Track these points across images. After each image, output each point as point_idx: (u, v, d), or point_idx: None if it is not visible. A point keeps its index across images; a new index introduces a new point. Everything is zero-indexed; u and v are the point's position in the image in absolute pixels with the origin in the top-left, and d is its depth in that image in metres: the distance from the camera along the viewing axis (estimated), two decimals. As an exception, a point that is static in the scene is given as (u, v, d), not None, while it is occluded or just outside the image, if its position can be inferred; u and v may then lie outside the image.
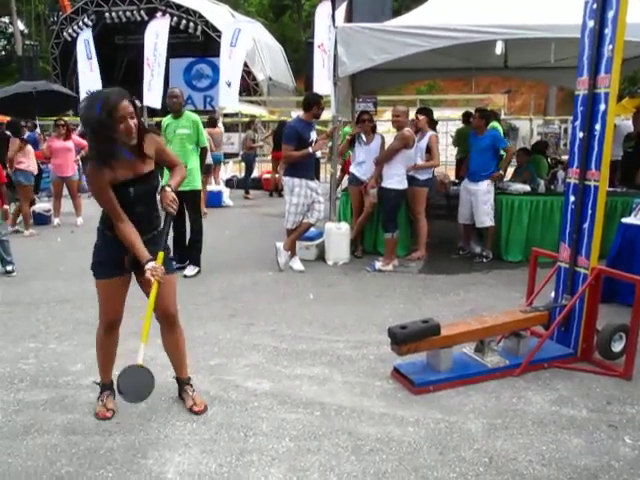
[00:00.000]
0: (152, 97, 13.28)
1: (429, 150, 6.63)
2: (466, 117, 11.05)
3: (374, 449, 2.81)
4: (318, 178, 6.61)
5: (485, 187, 6.43)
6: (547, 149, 9.59)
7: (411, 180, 6.47)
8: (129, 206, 2.87)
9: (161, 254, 2.85)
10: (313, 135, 6.19)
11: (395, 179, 6.16)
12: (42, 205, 9.60)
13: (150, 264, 2.79)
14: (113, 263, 2.95)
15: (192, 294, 5.21)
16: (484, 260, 6.61)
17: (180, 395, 3.27)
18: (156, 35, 14.25)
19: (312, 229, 6.57)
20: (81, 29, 23.60)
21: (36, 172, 8.65)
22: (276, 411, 3.17)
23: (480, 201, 6.44)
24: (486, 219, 6.47)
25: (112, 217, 2.86)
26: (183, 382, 3.26)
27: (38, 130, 12.27)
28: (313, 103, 6.16)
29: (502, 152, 6.80)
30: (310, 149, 6.09)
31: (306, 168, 6.18)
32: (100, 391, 3.20)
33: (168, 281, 2.97)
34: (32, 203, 9.66)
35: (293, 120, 6.79)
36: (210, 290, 5.48)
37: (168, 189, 2.88)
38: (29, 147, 8.46)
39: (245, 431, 2.96)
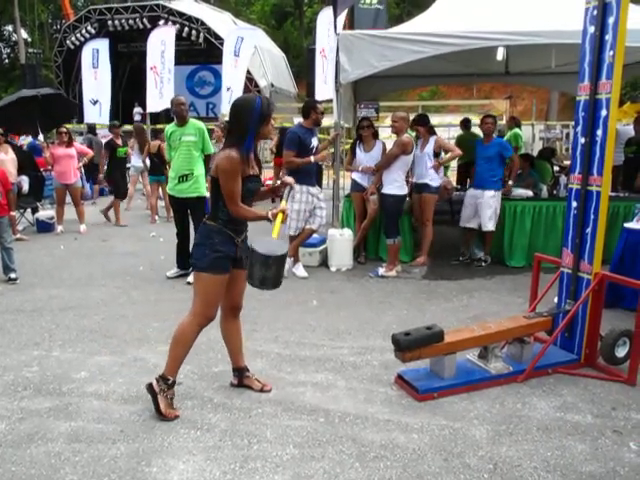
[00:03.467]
0: (164, 103, 13.40)
1: (437, 155, 6.64)
2: (464, 124, 11.08)
3: (378, 456, 2.80)
4: (320, 185, 6.60)
5: (492, 192, 6.46)
6: (554, 156, 9.60)
7: (424, 187, 6.48)
8: (244, 199, 3.10)
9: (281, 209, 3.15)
10: (314, 141, 6.20)
11: (395, 185, 6.17)
12: (45, 212, 9.62)
13: (273, 210, 3.12)
14: (230, 258, 3.14)
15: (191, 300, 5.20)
16: (483, 264, 6.62)
17: (242, 383, 3.50)
18: (162, 43, 14.39)
19: (315, 235, 6.58)
20: (84, 37, 23.73)
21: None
22: (280, 418, 3.17)
23: (486, 204, 6.46)
24: (490, 223, 6.49)
25: (233, 201, 3.02)
26: (244, 370, 3.52)
27: (41, 137, 12.28)
28: (309, 109, 6.17)
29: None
30: (312, 158, 6.10)
31: (307, 174, 6.18)
32: (168, 387, 3.15)
33: (245, 277, 3.19)
34: (35, 210, 9.72)
35: (294, 126, 6.81)
36: (213, 297, 5.48)
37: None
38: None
39: (249, 438, 2.96)
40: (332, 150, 6.97)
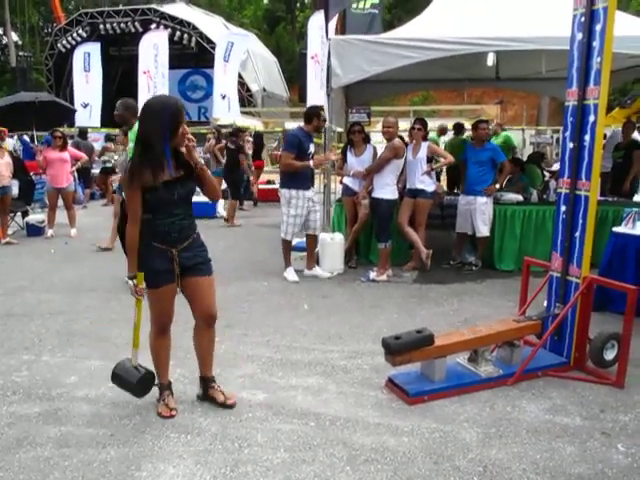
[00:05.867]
0: None
1: (430, 160, 6.66)
2: (457, 128, 11.14)
3: (369, 459, 2.81)
4: (313, 184, 6.60)
5: (485, 199, 6.50)
6: (543, 160, 9.67)
7: (418, 192, 6.48)
8: (161, 208, 2.98)
9: (140, 275, 3.00)
10: (311, 147, 6.23)
11: (387, 189, 6.20)
12: (35, 216, 9.58)
13: (131, 282, 3.00)
14: (163, 273, 3.05)
15: (186, 304, 5.19)
16: (473, 268, 6.66)
17: (207, 393, 3.37)
18: (154, 47, 14.43)
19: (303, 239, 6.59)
20: (75, 40, 23.69)
21: (1, 184, 8.44)
22: (271, 422, 3.17)
23: (479, 211, 6.49)
24: (485, 228, 6.53)
25: (130, 215, 2.97)
26: (209, 380, 3.38)
27: (26, 138, 12.32)
28: (313, 115, 6.22)
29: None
30: (311, 162, 6.13)
31: (303, 179, 6.20)
32: (160, 392, 3.28)
33: (209, 284, 3.21)
34: (25, 214, 9.68)
35: (295, 129, 6.85)
36: (204, 301, 5.47)
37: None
38: None
39: (240, 442, 2.96)
40: (333, 156, 6.88)
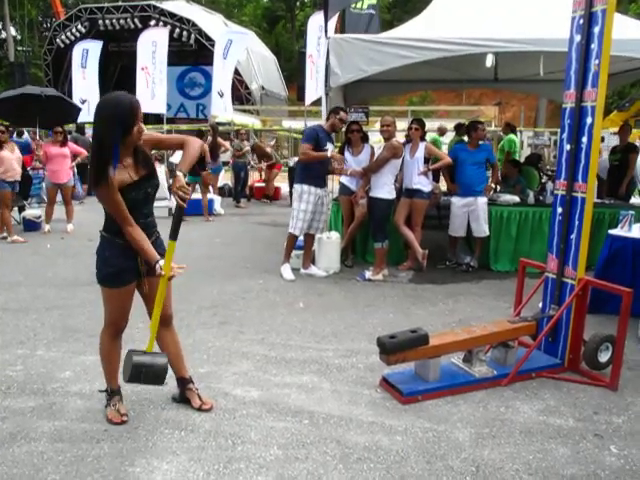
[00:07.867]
0: (156, 104, 13.58)
1: (426, 161, 6.66)
2: (459, 128, 11.13)
3: (362, 458, 2.81)
4: (326, 184, 6.55)
5: (485, 199, 6.56)
6: (540, 162, 9.71)
7: (415, 192, 6.49)
8: (134, 209, 2.86)
9: (173, 244, 2.86)
10: (330, 146, 6.21)
11: (384, 189, 6.20)
12: (32, 211, 9.56)
13: (161, 262, 2.84)
14: (127, 271, 2.94)
15: (182, 302, 5.19)
16: (470, 269, 6.67)
17: (184, 395, 3.28)
18: (153, 43, 14.44)
19: (302, 238, 6.59)
20: (74, 36, 23.67)
21: (14, 179, 8.47)
22: (264, 419, 3.17)
23: (481, 210, 6.53)
24: (486, 227, 6.58)
25: (121, 221, 2.81)
26: (186, 381, 3.28)
27: (26, 135, 12.23)
28: (330, 112, 6.25)
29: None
30: (329, 153, 6.09)
31: (316, 176, 6.20)
32: (109, 397, 3.17)
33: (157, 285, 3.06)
34: (22, 209, 9.65)
35: (315, 125, 6.86)
36: (200, 298, 5.48)
37: (179, 174, 2.81)
38: (3, 154, 8.27)
39: (233, 439, 2.96)
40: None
